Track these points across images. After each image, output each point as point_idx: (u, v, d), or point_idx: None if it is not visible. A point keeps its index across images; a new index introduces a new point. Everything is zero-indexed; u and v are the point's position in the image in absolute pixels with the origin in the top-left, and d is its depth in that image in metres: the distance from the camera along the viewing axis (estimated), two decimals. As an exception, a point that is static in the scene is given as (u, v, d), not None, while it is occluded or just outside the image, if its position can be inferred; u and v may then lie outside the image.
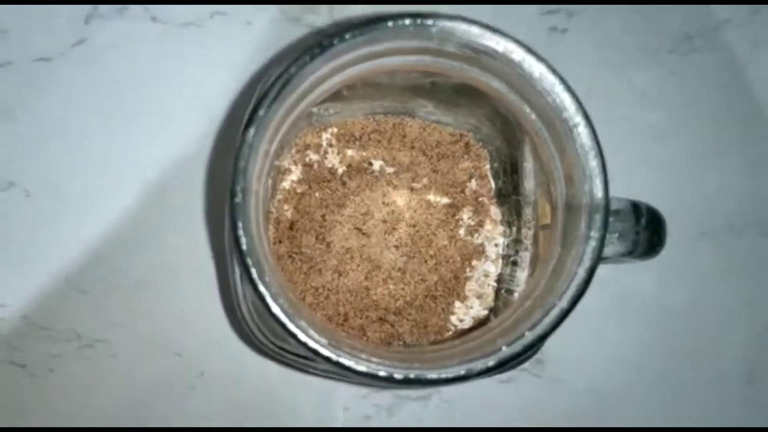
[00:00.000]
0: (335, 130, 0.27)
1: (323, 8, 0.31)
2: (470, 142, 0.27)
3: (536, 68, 0.17)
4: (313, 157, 0.27)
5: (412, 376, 0.16)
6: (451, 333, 0.26)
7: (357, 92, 0.24)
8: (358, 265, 0.25)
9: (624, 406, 0.30)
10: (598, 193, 0.17)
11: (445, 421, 0.30)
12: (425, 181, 0.27)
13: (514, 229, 0.26)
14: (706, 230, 0.31)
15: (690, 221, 0.31)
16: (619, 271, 0.30)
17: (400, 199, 0.26)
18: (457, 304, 0.26)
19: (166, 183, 0.30)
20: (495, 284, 0.27)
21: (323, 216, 0.26)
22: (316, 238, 0.25)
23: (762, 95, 0.31)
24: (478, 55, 0.17)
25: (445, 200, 0.27)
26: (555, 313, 0.16)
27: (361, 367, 0.16)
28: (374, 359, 0.16)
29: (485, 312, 0.26)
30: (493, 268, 0.27)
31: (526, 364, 0.30)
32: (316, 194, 0.26)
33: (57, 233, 0.29)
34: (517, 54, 0.17)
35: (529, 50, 0.17)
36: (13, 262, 0.29)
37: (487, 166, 0.27)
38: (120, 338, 0.29)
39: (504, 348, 0.16)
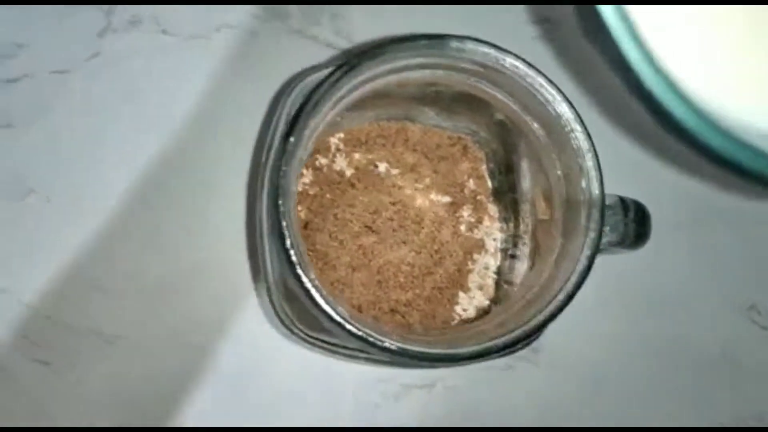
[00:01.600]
0: (342, 135, 0.29)
1: (324, 19, 0.33)
2: (468, 144, 0.29)
3: (537, 81, 0.19)
4: (323, 161, 0.29)
5: (444, 351, 0.18)
6: (456, 321, 0.28)
7: (368, 102, 0.26)
8: (370, 261, 0.27)
9: (615, 388, 0.32)
10: (595, 190, 0.19)
11: (449, 406, 0.32)
12: (427, 181, 0.29)
13: (511, 224, 0.29)
14: (679, 222, 0.33)
15: (670, 213, 0.33)
16: (606, 262, 0.32)
17: (405, 198, 0.29)
18: (461, 294, 0.28)
19: (180, 186, 0.31)
20: (495, 276, 0.29)
21: (335, 215, 0.28)
22: (330, 236, 0.27)
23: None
24: (486, 69, 0.19)
25: (447, 199, 0.29)
26: (561, 296, 0.19)
27: (405, 346, 0.18)
28: (408, 342, 0.18)
29: (487, 302, 0.28)
30: (493, 261, 0.29)
31: (524, 353, 0.32)
32: (327, 195, 0.28)
33: (78, 236, 0.31)
34: (521, 69, 0.19)
35: (531, 65, 0.19)
36: (37, 265, 0.30)
37: (484, 167, 0.29)
38: (140, 334, 0.30)
39: (519, 329, 0.18)
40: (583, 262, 0.19)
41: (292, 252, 0.17)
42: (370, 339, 0.18)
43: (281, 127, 0.21)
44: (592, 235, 0.19)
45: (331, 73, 0.18)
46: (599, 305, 0.32)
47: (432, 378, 0.32)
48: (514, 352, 0.19)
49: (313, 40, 0.33)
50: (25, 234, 0.30)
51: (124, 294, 0.30)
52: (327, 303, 0.18)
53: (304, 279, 0.17)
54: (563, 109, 0.19)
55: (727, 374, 0.32)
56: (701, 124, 0.16)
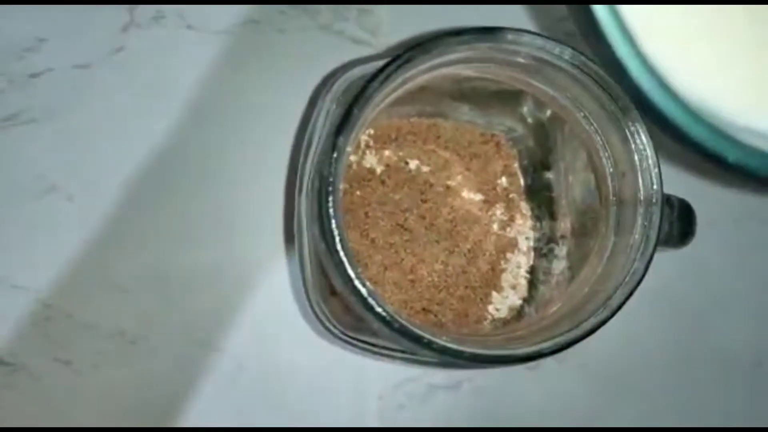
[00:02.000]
0: (372, 131, 0.29)
1: (351, 15, 0.32)
2: (501, 141, 0.29)
3: (599, 73, 0.19)
4: (352, 158, 0.28)
5: (500, 353, 0.17)
6: (488, 321, 0.28)
7: (401, 98, 0.25)
8: (403, 260, 0.27)
9: (643, 390, 0.32)
10: (655, 185, 0.19)
11: (475, 406, 0.32)
12: (459, 179, 0.29)
13: (545, 223, 0.28)
14: (712, 221, 0.33)
15: (700, 214, 0.33)
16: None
17: (437, 196, 0.28)
18: (494, 294, 0.28)
19: (206, 184, 0.31)
20: (528, 275, 0.28)
21: (366, 213, 0.27)
22: (361, 234, 0.27)
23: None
24: (540, 63, 0.19)
25: (479, 197, 0.29)
26: (620, 294, 0.18)
27: (460, 348, 0.17)
28: (458, 343, 0.17)
29: (519, 302, 0.28)
30: (525, 260, 0.28)
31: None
32: (357, 193, 0.28)
33: (100, 234, 0.30)
34: (581, 60, 0.18)
35: (590, 58, 0.19)
36: (58, 263, 0.30)
37: (516, 164, 0.29)
38: (162, 334, 0.30)
39: (578, 327, 0.18)
40: (641, 260, 0.19)
41: (342, 254, 0.17)
42: (425, 340, 0.17)
43: (321, 123, 0.21)
44: (652, 233, 0.19)
45: (385, 66, 0.17)
46: (631, 305, 0.32)
47: (458, 378, 0.31)
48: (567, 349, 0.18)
49: (339, 36, 0.32)
50: (46, 231, 0.30)
51: (147, 293, 0.30)
52: (379, 305, 0.17)
53: (355, 280, 0.17)
54: (625, 103, 0.19)
55: (758, 380, 0.32)
56: (688, 119, 0.16)
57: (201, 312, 0.30)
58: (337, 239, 0.17)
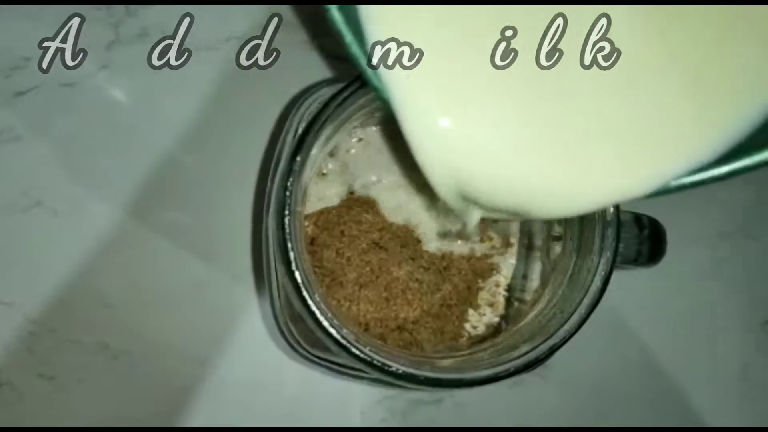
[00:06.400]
0: (350, 149, 0.29)
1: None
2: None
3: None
4: (331, 175, 0.28)
5: (452, 377, 0.17)
6: (465, 338, 0.27)
7: (377, 117, 0.25)
8: (378, 278, 0.27)
9: (625, 405, 0.31)
10: (610, 208, 0.19)
11: (457, 422, 0.31)
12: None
13: (524, 240, 0.28)
14: (699, 236, 0.33)
15: (684, 228, 0.32)
16: (620, 274, 0.32)
17: (413, 214, 0.28)
18: (471, 312, 0.28)
19: (186, 200, 0.31)
20: (505, 293, 0.28)
21: (342, 232, 0.27)
22: (336, 253, 0.27)
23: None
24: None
25: (457, 214, 0.28)
26: (575, 319, 0.18)
27: (412, 371, 0.17)
28: (415, 366, 0.17)
29: (497, 319, 0.28)
30: (503, 278, 0.28)
31: (534, 368, 0.31)
32: (334, 211, 0.28)
33: (83, 250, 0.30)
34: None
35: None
36: (42, 278, 0.30)
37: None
38: (144, 349, 0.30)
39: (531, 352, 0.18)
40: (597, 283, 0.18)
41: (297, 274, 0.17)
42: (376, 363, 0.17)
43: (289, 143, 0.21)
44: (608, 254, 0.18)
45: (339, 92, 0.18)
46: (613, 319, 0.32)
47: (440, 394, 0.31)
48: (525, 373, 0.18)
49: (319, 51, 0.32)
50: (30, 247, 0.30)
51: (129, 308, 0.30)
52: (332, 326, 0.17)
53: (310, 302, 0.17)
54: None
55: (742, 391, 0.32)
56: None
57: (183, 327, 0.30)
58: (294, 264, 0.17)
